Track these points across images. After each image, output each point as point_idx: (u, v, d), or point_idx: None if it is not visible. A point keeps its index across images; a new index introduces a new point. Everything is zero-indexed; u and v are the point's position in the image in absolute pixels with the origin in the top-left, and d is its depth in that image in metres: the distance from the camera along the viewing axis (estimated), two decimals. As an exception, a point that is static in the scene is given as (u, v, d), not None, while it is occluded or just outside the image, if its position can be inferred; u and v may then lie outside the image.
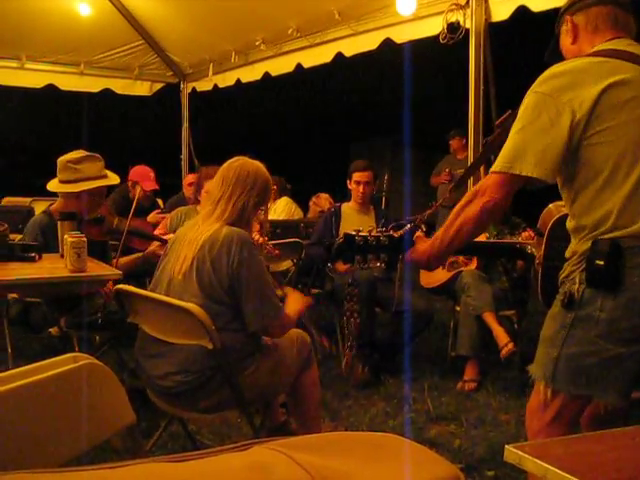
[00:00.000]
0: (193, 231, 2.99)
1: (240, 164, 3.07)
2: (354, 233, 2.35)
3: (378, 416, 4.17)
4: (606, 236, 2.04)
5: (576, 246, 2.15)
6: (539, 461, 1.04)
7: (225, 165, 3.10)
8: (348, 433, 2.79)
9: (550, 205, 2.91)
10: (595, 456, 1.11)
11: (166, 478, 0.94)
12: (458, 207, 2.24)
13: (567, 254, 2.21)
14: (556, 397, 2.15)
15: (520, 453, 1.08)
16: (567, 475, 0.98)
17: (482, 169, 5.83)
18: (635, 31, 2.31)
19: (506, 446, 1.11)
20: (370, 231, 2.36)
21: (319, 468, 0.92)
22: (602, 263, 2.02)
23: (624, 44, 2.20)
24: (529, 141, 2.08)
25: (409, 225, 2.43)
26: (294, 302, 3.28)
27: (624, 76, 2.06)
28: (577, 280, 2.10)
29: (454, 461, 3.41)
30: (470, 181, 5.77)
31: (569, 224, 2.21)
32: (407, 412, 4.26)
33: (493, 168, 2.14)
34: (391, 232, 2.38)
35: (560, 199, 2.32)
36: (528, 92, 2.15)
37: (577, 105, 2.04)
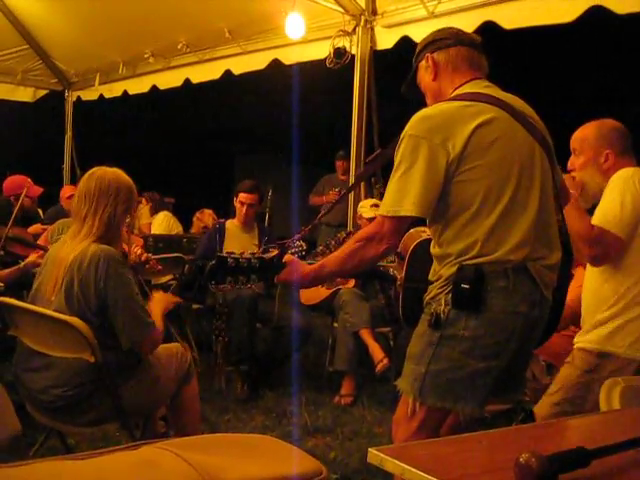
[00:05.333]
0: (62, 251, 2.94)
1: (99, 175, 3.02)
2: (226, 255, 2.42)
3: (257, 429, 4.24)
4: (471, 262, 2.22)
5: (442, 270, 2.31)
6: (397, 461, 1.16)
7: (84, 178, 3.05)
8: (227, 435, 2.88)
9: (411, 230, 3.08)
10: (447, 457, 1.25)
11: (68, 472, 1.01)
12: (351, 249, 2.36)
13: (432, 277, 2.37)
14: (421, 409, 2.30)
15: (381, 455, 1.20)
16: (421, 473, 1.11)
17: (363, 187, 6.09)
18: (487, 70, 2.51)
19: (369, 449, 1.23)
20: (242, 253, 2.44)
21: (202, 463, 1.02)
22: (467, 287, 2.20)
23: (481, 86, 2.41)
24: (412, 183, 2.21)
25: (275, 249, 2.54)
26: (156, 305, 3.27)
27: (487, 117, 2.25)
28: (443, 302, 2.26)
29: (330, 472, 3.51)
30: (351, 200, 5.99)
31: (435, 250, 2.37)
32: (285, 425, 4.36)
33: (383, 212, 2.27)
34: (262, 254, 2.48)
35: (421, 224, 2.49)
36: (403, 134, 2.28)
37: (451, 147, 2.21)
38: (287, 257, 2.50)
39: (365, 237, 2.34)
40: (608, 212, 2.74)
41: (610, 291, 2.81)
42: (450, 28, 2.61)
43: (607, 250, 2.76)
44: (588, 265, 2.97)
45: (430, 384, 2.27)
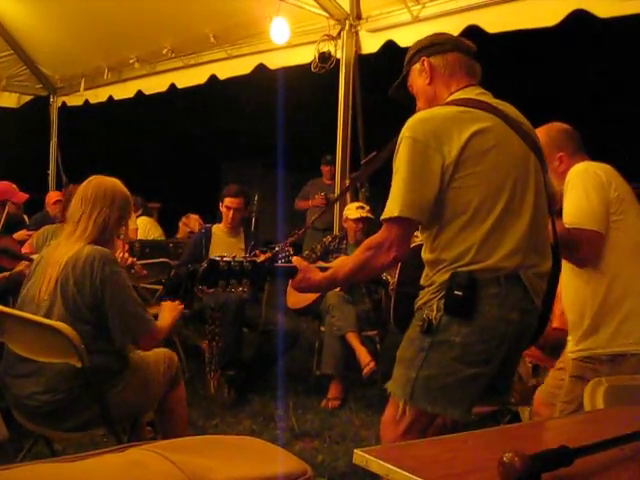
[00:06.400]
0: (57, 252, 2.98)
1: (97, 182, 3.11)
2: (218, 259, 2.42)
3: (244, 434, 4.23)
4: (464, 269, 2.23)
5: (435, 276, 2.31)
6: (382, 462, 1.17)
7: (83, 184, 3.13)
8: (212, 436, 2.90)
9: None
10: (431, 457, 1.26)
11: (55, 475, 1.02)
12: (362, 257, 2.33)
13: (424, 282, 2.37)
14: (410, 411, 2.31)
15: (366, 456, 1.21)
16: (406, 473, 1.12)
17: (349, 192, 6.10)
18: (480, 77, 2.53)
19: (355, 450, 1.24)
20: (234, 257, 2.44)
21: (188, 464, 1.04)
22: (460, 294, 2.21)
23: (476, 93, 2.42)
24: (407, 186, 2.21)
25: (269, 252, 2.54)
26: (166, 311, 3.33)
27: (484, 125, 2.27)
28: (435, 307, 2.27)
29: (317, 475, 3.52)
30: (336, 204, 6.01)
31: (427, 256, 2.37)
32: (273, 429, 4.36)
33: (384, 216, 2.27)
34: (254, 258, 2.47)
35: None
36: (400, 136, 2.29)
37: (446, 151, 2.22)
38: (297, 260, 2.50)
39: (374, 245, 2.32)
40: (576, 210, 2.72)
41: (592, 292, 2.77)
42: (446, 34, 2.62)
43: (590, 248, 2.72)
44: (563, 271, 2.95)
45: (421, 389, 2.28)
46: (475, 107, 2.33)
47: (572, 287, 2.89)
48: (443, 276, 2.27)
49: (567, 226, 2.72)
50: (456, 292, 2.21)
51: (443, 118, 2.29)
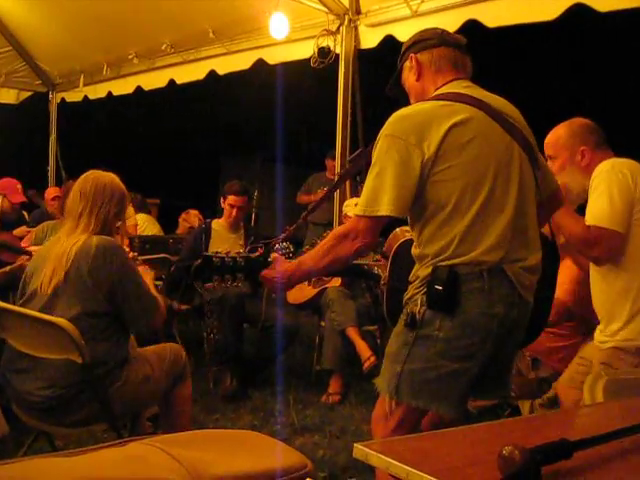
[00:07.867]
0: (58, 246, 2.99)
1: (95, 177, 3.13)
2: (212, 254, 2.44)
3: (245, 429, 4.24)
4: (445, 263, 2.23)
5: (419, 271, 2.33)
6: (382, 456, 1.18)
7: (80, 179, 3.15)
8: (212, 430, 2.91)
9: (397, 229, 3.10)
10: (431, 450, 1.27)
11: (57, 469, 1.02)
12: (327, 245, 2.36)
13: (411, 278, 2.39)
14: (398, 407, 2.33)
15: (367, 450, 1.22)
16: (406, 467, 1.13)
17: (348, 186, 6.11)
18: (471, 70, 2.53)
19: (355, 444, 1.24)
20: (228, 252, 2.46)
21: (188, 458, 1.04)
22: (441, 288, 2.21)
23: (462, 86, 2.42)
24: (387, 184, 2.22)
25: (261, 248, 2.55)
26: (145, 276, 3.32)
27: (463, 117, 2.26)
28: (419, 302, 2.28)
29: (318, 470, 3.54)
30: (337, 199, 6.01)
31: (415, 251, 2.39)
32: (273, 424, 4.38)
33: (359, 212, 2.29)
34: (248, 254, 2.50)
35: (406, 223, 2.50)
36: (380, 135, 2.30)
37: (425, 147, 2.22)
38: (273, 255, 2.52)
39: (340, 234, 2.36)
40: (599, 209, 2.73)
41: (624, 285, 2.79)
42: (435, 29, 2.61)
43: (609, 248, 2.74)
44: (590, 272, 2.97)
45: (405, 383, 2.29)
46: (455, 100, 2.33)
47: (598, 288, 2.92)
48: (426, 270, 2.29)
49: (587, 224, 2.73)
50: (436, 286, 2.22)
51: (422, 114, 2.30)
